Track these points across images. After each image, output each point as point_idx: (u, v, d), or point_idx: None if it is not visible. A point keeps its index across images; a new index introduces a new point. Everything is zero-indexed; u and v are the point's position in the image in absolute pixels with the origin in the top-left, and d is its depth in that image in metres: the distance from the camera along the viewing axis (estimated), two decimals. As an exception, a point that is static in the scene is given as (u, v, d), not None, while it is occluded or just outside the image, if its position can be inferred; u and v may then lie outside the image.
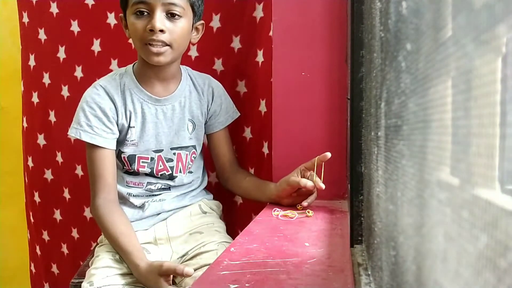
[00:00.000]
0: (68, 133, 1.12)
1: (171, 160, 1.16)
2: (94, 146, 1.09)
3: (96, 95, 1.10)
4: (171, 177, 1.17)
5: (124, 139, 1.13)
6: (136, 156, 1.14)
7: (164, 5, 1.04)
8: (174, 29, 1.05)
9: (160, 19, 1.03)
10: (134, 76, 1.14)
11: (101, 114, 1.09)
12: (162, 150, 1.15)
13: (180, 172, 1.17)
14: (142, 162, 1.14)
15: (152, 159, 1.15)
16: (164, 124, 1.15)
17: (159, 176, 1.16)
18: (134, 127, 1.13)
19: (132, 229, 1.09)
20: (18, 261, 1.83)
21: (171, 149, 1.16)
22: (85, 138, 1.08)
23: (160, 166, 1.15)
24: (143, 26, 1.04)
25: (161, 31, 1.04)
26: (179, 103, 1.17)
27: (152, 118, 1.14)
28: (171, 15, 1.05)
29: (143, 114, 1.13)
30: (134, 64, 1.17)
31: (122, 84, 1.13)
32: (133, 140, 1.13)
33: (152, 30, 1.03)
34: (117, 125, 1.12)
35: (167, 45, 1.05)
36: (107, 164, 1.10)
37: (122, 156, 1.14)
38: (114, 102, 1.11)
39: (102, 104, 1.10)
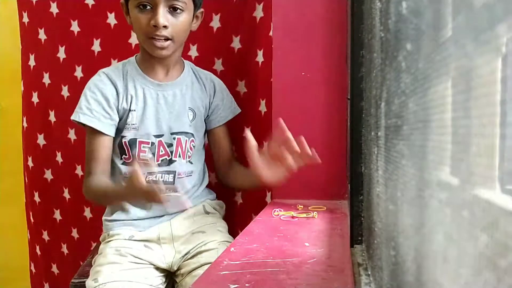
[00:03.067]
0: (70, 117, 1.14)
1: (171, 145, 1.17)
2: (92, 130, 1.12)
3: (99, 81, 1.14)
4: (170, 162, 1.17)
5: (125, 123, 1.14)
6: (137, 140, 1.15)
7: (167, 0, 1.06)
8: (176, 23, 1.09)
9: (163, 15, 1.06)
10: (136, 64, 1.18)
11: (102, 98, 1.12)
12: (163, 135, 1.16)
13: (179, 157, 1.17)
14: (143, 146, 1.15)
15: (152, 144, 1.15)
16: (164, 109, 1.16)
17: (160, 162, 1.16)
18: (134, 110, 1.14)
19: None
20: (18, 261, 1.83)
21: (171, 134, 1.17)
22: (84, 120, 1.11)
23: (162, 151, 1.16)
24: (146, 21, 1.07)
25: (164, 26, 1.06)
26: (180, 91, 1.19)
27: (153, 103, 1.16)
28: (173, 9, 1.08)
29: (145, 98, 1.15)
30: (136, 55, 1.20)
31: (124, 71, 1.17)
32: (134, 124, 1.15)
33: (155, 26, 1.06)
34: (118, 111, 1.14)
35: (169, 39, 1.08)
36: (103, 148, 1.12)
37: (123, 141, 1.15)
38: (116, 87, 1.14)
39: (104, 90, 1.13)
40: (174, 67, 1.19)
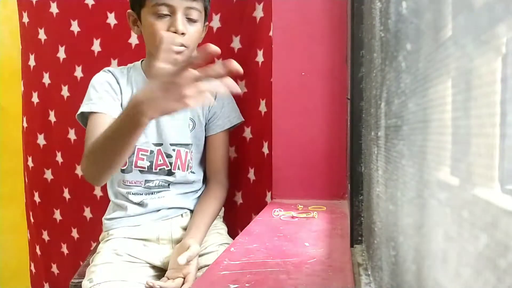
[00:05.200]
0: (78, 112, 1.11)
1: (170, 156, 1.16)
2: (98, 114, 1.08)
3: (105, 75, 1.15)
4: (170, 173, 1.17)
5: None
6: (136, 147, 1.14)
7: (186, 9, 1.07)
8: (192, 32, 1.09)
9: (182, 22, 1.06)
10: (142, 71, 1.17)
11: (110, 89, 1.13)
12: (162, 144, 1.16)
13: (179, 169, 1.17)
14: (142, 154, 1.15)
15: (151, 152, 1.15)
16: (165, 118, 1.15)
17: (158, 171, 1.16)
18: None
19: None
20: (18, 261, 1.83)
21: (171, 145, 1.16)
22: (96, 109, 1.08)
23: (160, 160, 1.16)
24: (164, 28, 1.06)
25: (183, 33, 1.06)
26: None
27: None
28: (189, 19, 1.08)
29: None
30: (142, 61, 1.20)
31: (129, 76, 1.17)
32: None
33: (175, 32, 1.05)
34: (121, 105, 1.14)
35: (184, 46, 1.08)
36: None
37: None
38: (120, 85, 1.15)
39: (110, 82, 1.14)
40: None
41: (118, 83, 1.14)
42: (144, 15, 1.09)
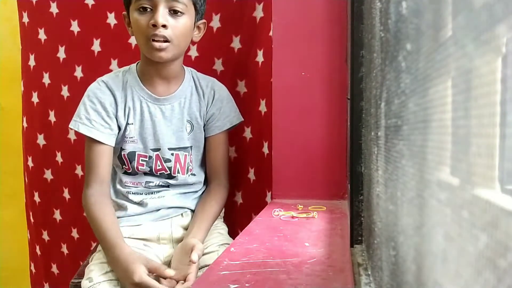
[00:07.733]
0: (69, 125, 1.14)
1: (169, 160, 1.16)
2: (91, 140, 1.11)
3: (98, 90, 1.13)
4: (171, 176, 1.17)
5: (123, 135, 1.14)
6: (136, 153, 1.15)
7: (167, 1, 1.06)
8: (176, 25, 1.08)
9: (163, 15, 1.05)
10: (137, 74, 1.16)
11: (101, 108, 1.12)
12: (160, 149, 1.16)
13: (179, 172, 1.17)
14: (142, 160, 1.15)
15: (150, 157, 1.15)
16: (162, 123, 1.15)
17: (158, 175, 1.17)
18: (132, 123, 1.14)
19: (117, 224, 1.11)
20: (18, 261, 1.83)
21: (169, 149, 1.16)
22: (83, 130, 1.11)
23: (158, 166, 1.16)
24: (146, 22, 1.06)
25: (164, 26, 1.06)
26: (179, 104, 1.17)
27: (150, 117, 1.15)
28: (173, 12, 1.07)
29: (142, 112, 1.15)
30: (138, 63, 1.19)
31: (124, 81, 1.16)
32: (132, 137, 1.14)
33: (154, 25, 1.05)
34: (117, 121, 1.13)
35: (168, 41, 1.07)
36: (102, 158, 1.11)
37: (123, 153, 1.15)
38: (115, 98, 1.13)
39: (103, 99, 1.12)
40: (174, 79, 1.17)
41: (112, 94, 1.13)
42: (131, 13, 1.10)
